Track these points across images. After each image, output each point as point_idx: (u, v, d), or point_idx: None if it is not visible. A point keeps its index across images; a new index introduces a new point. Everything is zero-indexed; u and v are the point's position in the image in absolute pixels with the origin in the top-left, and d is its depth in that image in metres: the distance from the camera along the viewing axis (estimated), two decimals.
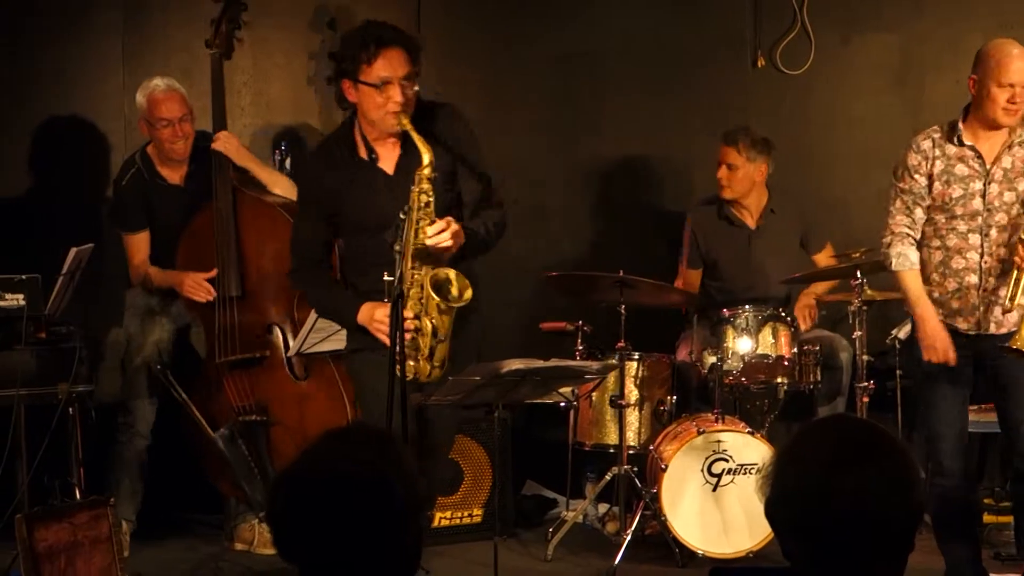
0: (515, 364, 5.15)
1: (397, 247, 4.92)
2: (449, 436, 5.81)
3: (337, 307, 5.51)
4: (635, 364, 6.82)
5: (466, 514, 6.80)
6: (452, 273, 5.11)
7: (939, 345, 5.57)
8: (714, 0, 8.16)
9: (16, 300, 5.57)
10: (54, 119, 6.99)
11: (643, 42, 8.01)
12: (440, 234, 5.02)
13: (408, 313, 5.05)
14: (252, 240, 6.60)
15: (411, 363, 5.11)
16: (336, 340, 6.11)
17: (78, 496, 5.77)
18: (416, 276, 5.08)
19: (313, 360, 6.52)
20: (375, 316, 5.22)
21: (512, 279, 7.67)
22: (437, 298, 5.05)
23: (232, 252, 6.56)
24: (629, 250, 7.79)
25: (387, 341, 5.06)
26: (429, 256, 5.07)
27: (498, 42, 7.91)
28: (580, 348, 6.85)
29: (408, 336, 5.04)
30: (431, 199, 5.07)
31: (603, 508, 7.15)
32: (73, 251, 5.93)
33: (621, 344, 6.59)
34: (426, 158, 5.07)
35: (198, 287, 6.53)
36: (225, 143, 6.63)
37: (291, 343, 6.56)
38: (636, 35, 8.00)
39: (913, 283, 5.66)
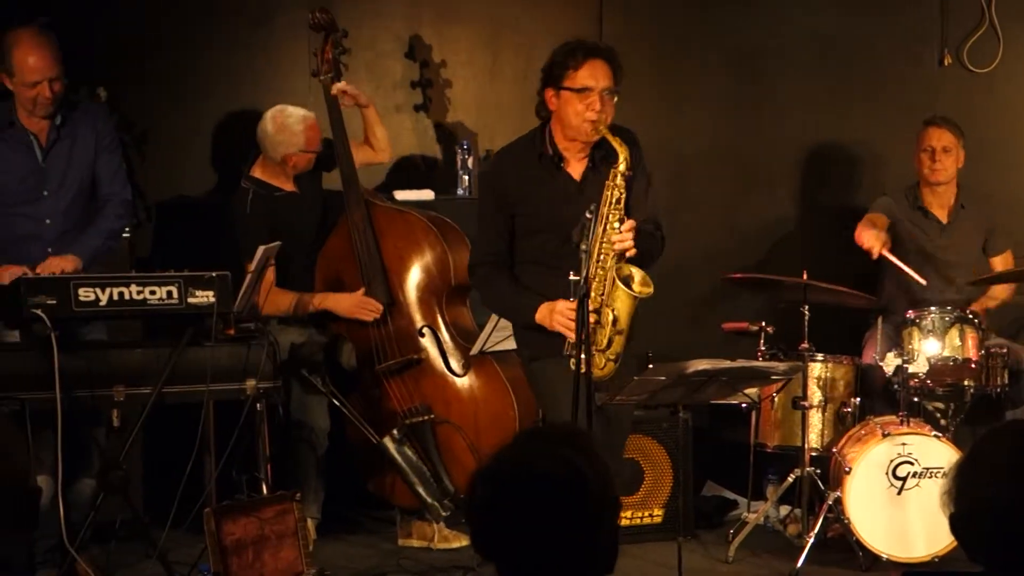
0: (701, 364, 5.12)
1: (583, 246, 4.84)
2: (625, 435, 5.77)
3: (515, 306, 5.40)
4: (818, 365, 6.74)
5: (647, 514, 6.78)
6: (635, 269, 5.07)
7: None
8: None
9: (206, 297, 5.64)
10: (242, 118, 7.08)
11: (829, 40, 7.93)
12: (628, 233, 5.02)
13: (589, 304, 5.02)
14: (391, 248, 6.72)
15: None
16: None
17: (265, 491, 5.83)
18: (599, 270, 5.05)
19: (471, 355, 6.59)
20: (556, 308, 5.12)
21: (690, 277, 7.64)
22: (623, 287, 5.01)
23: (377, 263, 6.68)
24: (813, 248, 7.73)
25: (568, 333, 5.04)
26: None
27: (679, 38, 7.88)
28: (762, 349, 6.78)
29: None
30: (623, 195, 5.07)
31: (784, 510, 7.07)
32: (261, 249, 5.99)
33: (804, 345, 6.53)
34: (622, 155, 5.06)
35: (365, 306, 6.65)
36: (345, 85, 6.84)
37: (444, 341, 6.66)
38: (821, 32, 7.93)
39: None
